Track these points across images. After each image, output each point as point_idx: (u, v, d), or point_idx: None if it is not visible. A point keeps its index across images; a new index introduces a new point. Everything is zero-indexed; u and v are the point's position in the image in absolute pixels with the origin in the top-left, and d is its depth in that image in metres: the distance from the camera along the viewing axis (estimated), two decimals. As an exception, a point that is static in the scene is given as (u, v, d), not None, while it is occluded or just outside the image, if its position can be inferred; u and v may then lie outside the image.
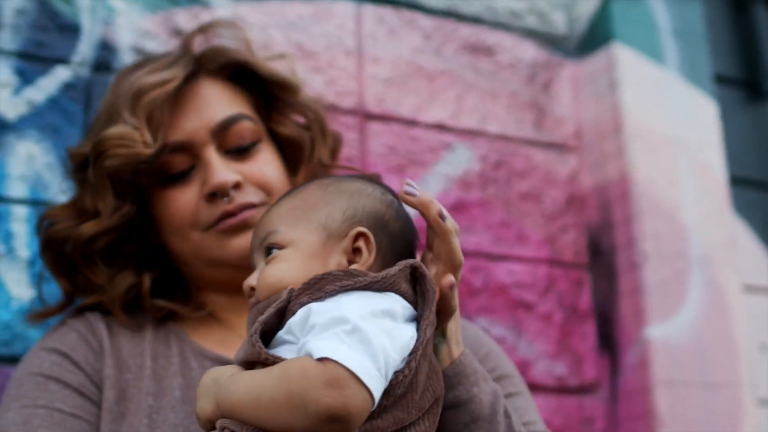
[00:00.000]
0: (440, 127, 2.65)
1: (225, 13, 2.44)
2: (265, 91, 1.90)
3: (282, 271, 1.41)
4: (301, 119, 1.94)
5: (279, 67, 1.95)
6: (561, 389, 2.61)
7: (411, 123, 2.62)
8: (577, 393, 2.63)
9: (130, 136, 1.69)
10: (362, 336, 1.23)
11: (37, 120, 2.19)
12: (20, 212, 2.14)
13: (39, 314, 1.85)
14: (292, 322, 1.30)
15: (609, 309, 2.70)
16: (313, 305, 1.30)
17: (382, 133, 2.57)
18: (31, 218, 2.14)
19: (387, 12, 2.67)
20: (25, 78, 2.20)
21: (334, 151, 2.00)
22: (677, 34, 2.90)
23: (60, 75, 2.24)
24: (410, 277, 1.36)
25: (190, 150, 1.75)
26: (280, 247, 1.44)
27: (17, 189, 2.15)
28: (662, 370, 2.57)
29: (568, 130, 2.84)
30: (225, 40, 1.99)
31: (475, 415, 1.41)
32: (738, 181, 2.96)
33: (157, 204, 1.78)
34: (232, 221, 1.73)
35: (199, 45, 1.97)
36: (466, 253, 2.56)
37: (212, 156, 1.75)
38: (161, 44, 2.34)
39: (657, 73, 2.83)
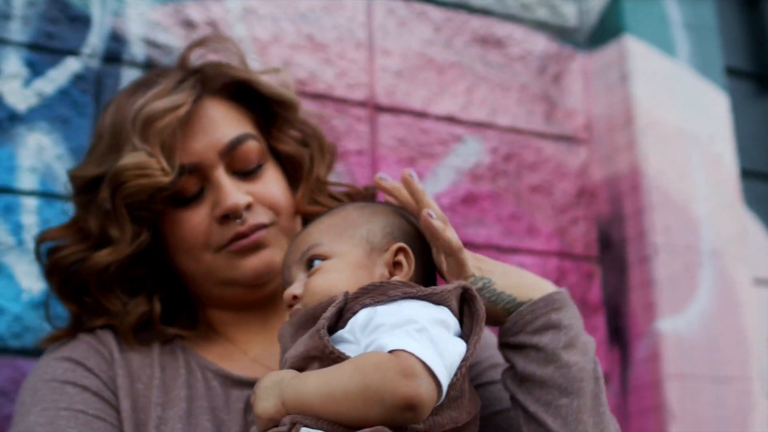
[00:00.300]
0: (450, 120, 2.65)
1: (235, 5, 2.43)
2: (265, 109, 1.89)
3: (332, 280, 1.49)
4: (297, 134, 1.93)
5: (273, 81, 1.94)
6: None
7: (421, 115, 2.61)
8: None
9: (148, 164, 1.67)
10: (430, 336, 1.33)
11: (48, 112, 2.19)
12: (30, 204, 2.13)
13: (50, 339, 1.82)
14: (354, 321, 1.40)
15: (619, 302, 2.70)
16: (379, 307, 1.39)
17: (393, 125, 2.56)
18: (41, 210, 2.13)
19: (397, 4, 2.66)
20: (36, 69, 2.20)
21: (330, 164, 1.99)
22: (689, 26, 2.89)
23: (70, 66, 2.23)
24: (460, 296, 1.45)
25: (199, 172, 1.75)
26: (324, 259, 1.53)
27: (27, 181, 2.14)
28: (672, 363, 2.56)
29: (578, 123, 2.83)
30: (220, 54, 1.98)
31: (572, 341, 1.49)
32: (749, 175, 2.95)
33: (168, 226, 1.77)
34: (244, 242, 1.73)
35: (195, 60, 1.96)
36: (477, 246, 2.58)
37: (223, 177, 1.74)
38: (172, 36, 2.34)
39: (668, 65, 2.82)
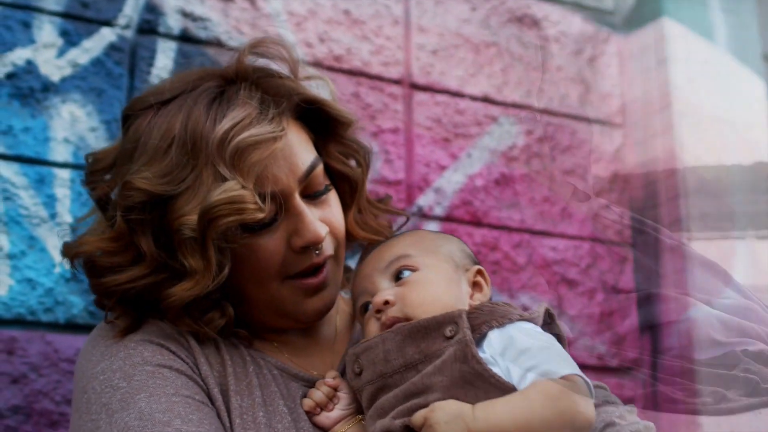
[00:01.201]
0: (486, 100, 2.61)
1: (271, -22, 2.40)
2: (322, 127, 1.81)
3: (434, 293, 1.58)
4: (349, 152, 1.86)
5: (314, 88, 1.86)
6: (601, 368, 2.57)
7: (457, 95, 2.58)
8: (617, 372, 2.60)
9: (244, 199, 1.58)
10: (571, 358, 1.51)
11: (81, 82, 2.16)
12: (63, 176, 2.10)
13: (123, 330, 1.68)
14: (490, 345, 1.50)
15: (652, 288, 2.67)
16: (509, 331, 1.51)
17: (428, 104, 2.53)
18: (75, 182, 2.11)
19: (434, -19, 2.63)
20: (70, 39, 2.17)
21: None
22: (727, 11, 2.85)
23: (105, 37, 2.20)
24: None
25: (278, 198, 1.65)
26: (413, 270, 1.61)
27: (60, 152, 2.11)
28: (705, 351, 2.54)
29: (613, 106, 2.80)
30: (274, 61, 1.87)
31: None
32: (784, 162, 2.92)
33: (239, 250, 1.66)
34: (314, 282, 1.69)
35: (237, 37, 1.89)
36: (510, 229, 2.55)
37: (302, 206, 1.67)
38: (208, 8, 2.30)
39: (706, 50, 2.78)
